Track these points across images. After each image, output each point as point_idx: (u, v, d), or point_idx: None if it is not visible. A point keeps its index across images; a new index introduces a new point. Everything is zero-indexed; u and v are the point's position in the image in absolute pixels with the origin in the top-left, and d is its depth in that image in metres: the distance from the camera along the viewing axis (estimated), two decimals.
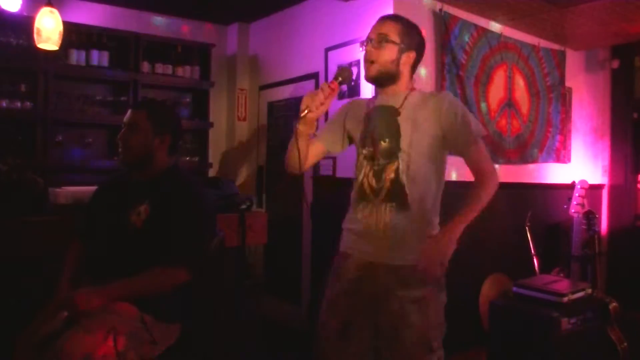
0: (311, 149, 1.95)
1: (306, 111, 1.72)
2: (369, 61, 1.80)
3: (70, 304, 1.75)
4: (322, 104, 1.72)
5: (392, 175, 1.74)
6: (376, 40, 1.78)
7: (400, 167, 1.73)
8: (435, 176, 1.79)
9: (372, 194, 1.78)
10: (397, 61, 1.78)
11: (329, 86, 1.73)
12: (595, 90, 4.74)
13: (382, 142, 1.78)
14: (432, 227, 1.78)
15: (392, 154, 1.75)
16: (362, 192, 1.82)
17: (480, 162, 1.75)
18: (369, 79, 1.83)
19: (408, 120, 1.76)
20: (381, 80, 1.82)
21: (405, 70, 1.81)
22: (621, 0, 3.37)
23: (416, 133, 1.74)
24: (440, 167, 1.81)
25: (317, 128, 1.87)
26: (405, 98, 1.79)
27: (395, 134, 1.76)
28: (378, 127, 1.81)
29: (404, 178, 1.73)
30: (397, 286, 1.70)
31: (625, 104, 4.63)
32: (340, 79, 1.76)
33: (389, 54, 1.77)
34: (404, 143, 1.74)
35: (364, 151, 1.84)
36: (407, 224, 1.72)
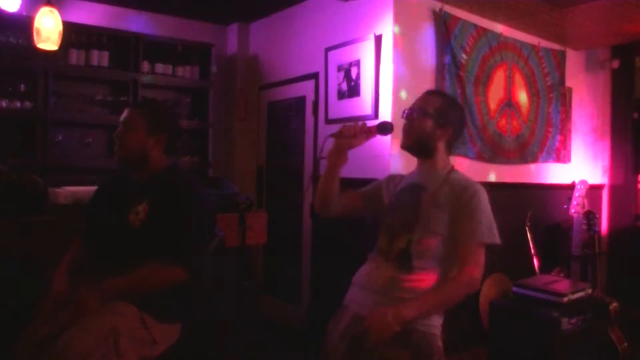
0: (347, 197, 2.01)
1: (334, 134, 1.83)
2: (406, 131, 1.90)
3: (70, 304, 1.75)
4: (354, 136, 1.81)
5: (403, 245, 1.78)
6: (416, 111, 1.88)
7: (413, 239, 1.77)
8: (447, 255, 1.78)
9: (382, 257, 1.84)
10: (432, 135, 1.86)
11: (367, 128, 1.83)
12: (595, 90, 4.74)
13: (402, 213, 1.85)
14: None
15: (408, 225, 1.80)
16: (376, 254, 1.89)
17: (465, 262, 1.73)
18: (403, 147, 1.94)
19: (430, 197, 1.81)
20: (416, 149, 1.92)
21: (440, 146, 1.89)
22: (621, 0, 3.37)
23: (434, 210, 1.78)
24: (452, 245, 1.79)
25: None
26: (435, 175, 1.88)
27: (416, 208, 1.82)
28: (403, 202, 1.90)
29: (412, 250, 1.76)
30: (383, 344, 1.64)
31: (625, 104, 4.62)
32: (381, 128, 1.85)
33: (426, 125, 1.85)
34: (421, 217, 1.79)
35: (387, 220, 1.90)
36: (405, 284, 1.73)
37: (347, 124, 1.83)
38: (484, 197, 1.80)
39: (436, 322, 1.73)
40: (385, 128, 1.85)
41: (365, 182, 3.32)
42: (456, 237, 1.75)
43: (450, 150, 1.94)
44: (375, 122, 1.87)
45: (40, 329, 1.75)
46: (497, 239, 1.77)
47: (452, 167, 1.92)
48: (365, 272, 1.87)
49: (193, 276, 1.90)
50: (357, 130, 1.80)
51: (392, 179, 2.06)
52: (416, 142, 1.88)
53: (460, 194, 1.78)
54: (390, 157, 3.24)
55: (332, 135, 1.84)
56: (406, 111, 1.91)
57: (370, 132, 1.83)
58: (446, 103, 1.90)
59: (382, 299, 1.73)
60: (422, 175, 1.92)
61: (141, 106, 2.16)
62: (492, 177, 3.84)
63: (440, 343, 1.71)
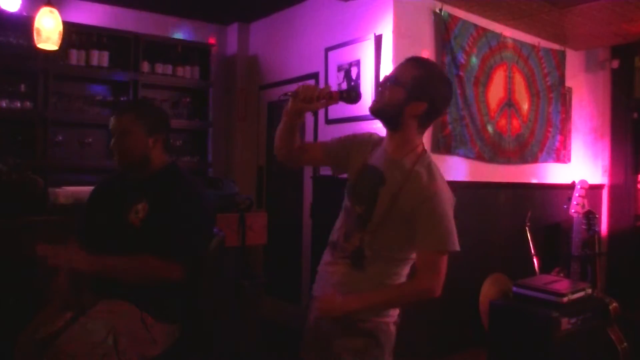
0: (308, 149, 1.93)
1: (290, 93, 1.65)
2: (377, 97, 1.75)
3: (55, 260, 1.77)
4: (311, 100, 1.64)
5: (357, 243, 1.68)
6: (390, 78, 1.69)
7: (365, 239, 1.66)
8: (402, 253, 1.69)
9: (337, 248, 1.76)
10: (402, 107, 1.65)
11: (329, 92, 1.67)
12: (595, 90, 4.74)
13: (357, 207, 1.71)
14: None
15: (362, 222, 1.68)
16: (332, 241, 1.80)
17: (421, 271, 1.62)
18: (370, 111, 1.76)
19: (388, 194, 1.64)
20: (382, 119, 1.74)
21: (410, 121, 1.67)
22: (621, 0, 3.37)
23: (393, 209, 1.63)
24: (409, 244, 1.67)
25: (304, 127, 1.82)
26: (400, 166, 1.68)
27: (372, 203, 1.66)
28: (361, 188, 1.73)
29: (366, 250, 1.66)
30: (339, 334, 1.67)
31: (625, 104, 4.62)
32: (344, 95, 1.70)
33: (396, 96, 1.65)
34: (376, 214, 1.65)
35: (346, 202, 1.79)
36: (358, 283, 1.67)
37: (306, 83, 1.66)
38: (444, 199, 1.62)
39: (392, 312, 1.71)
40: (350, 96, 1.68)
41: None
42: (415, 242, 1.63)
43: (424, 128, 1.71)
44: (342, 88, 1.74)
45: (40, 330, 1.75)
46: (456, 247, 1.60)
47: (422, 152, 1.70)
48: (324, 264, 1.81)
49: (189, 275, 1.90)
50: (316, 94, 1.62)
51: (365, 143, 1.84)
52: (383, 110, 1.69)
53: (419, 195, 1.60)
54: None
55: (288, 94, 1.65)
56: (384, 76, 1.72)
57: (332, 98, 1.66)
58: (427, 74, 1.64)
59: (338, 292, 1.69)
60: (386, 157, 1.72)
61: (132, 109, 2.12)
62: (492, 177, 3.84)
63: (392, 328, 1.70)
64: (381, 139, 1.83)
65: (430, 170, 1.67)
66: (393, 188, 1.64)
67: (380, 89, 1.74)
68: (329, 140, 1.91)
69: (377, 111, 1.73)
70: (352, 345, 1.65)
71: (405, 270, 1.72)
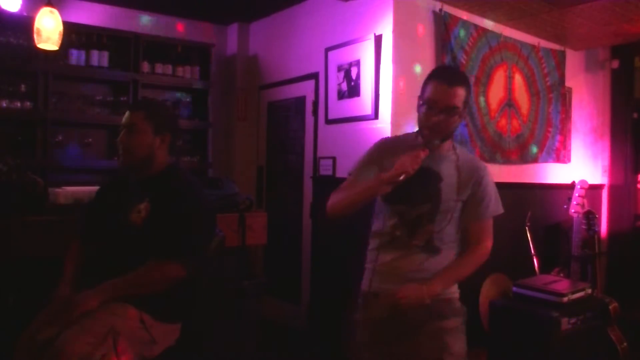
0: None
1: (403, 176, 1.70)
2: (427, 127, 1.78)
3: (69, 306, 1.75)
4: (412, 170, 1.71)
5: (427, 236, 1.80)
6: (444, 109, 1.73)
7: (434, 230, 1.80)
8: (458, 230, 1.88)
9: (402, 244, 1.82)
10: (455, 127, 1.81)
11: (422, 155, 1.72)
12: (595, 90, 4.74)
13: (420, 204, 1.81)
14: None
15: (430, 217, 1.80)
16: (391, 241, 1.85)
17: (481, 237, 1.88)
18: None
19: (448, 187, 1.81)
20: (437, 141, 1.81)
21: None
22: (621, 0, 3.37)
23: (454, 202, 1.82)
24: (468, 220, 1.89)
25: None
26: (445, 159, 1.83)
27: (436, 200, 1.80)
28: (418, 189, 1.80)
29: (435, 238, 1.81)
30: (432, 318, 1.79)
31: (625, 104, 4.63)
32: (430, 145, 1.77)
33: (455, 122, 1.79)
34: (442, 209, 1.80)
35: (399, 207, 1.83)
36: (437, 266, 1.82)
37: (407, 161, 1.70)
38: (489, 172, 1.90)
39: (456, 287, 1.89)
40: (434, 147, 1.77)
41: None
42: (470, 215, 1.84)
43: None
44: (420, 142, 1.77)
45: (41, 331, 1.75)
46: (502, 209, 1.91)
47: (453, 145, 1.89)
48: (391, 260, 1.84)
49: (191, 274, 1.90)
50: (412, 160, 1.70)
51: (385, 152, 1.89)
52: (444, 139, 1.80)
53: (472, 176, 1.83)
54: None
55: (388, 182, 1.73)
56: (433, 105, 1.73)
57: (421, 153, 1.72)
58: (469, 91, 1.80)
59: (417, 281, 1.78)
60: (430, 157, 1.77)
61: (143, 107, 2.14)
62: (493, 177, 3.83)
63: (460, 304, 1.89)
64: (400, 140, 1.95)
65: (466, 153, 1.95)
66: (451, 182, 1.81)
67: (435, 121, 1.74)
68: (355, 174, 1.94)
69: (439, 138, 1.79)
70: (447, 326, 1.81)
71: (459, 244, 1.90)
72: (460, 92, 1.74)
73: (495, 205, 1.89)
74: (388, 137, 2.01)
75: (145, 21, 4.30)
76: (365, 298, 1.90)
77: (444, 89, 1.72)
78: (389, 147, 1.91)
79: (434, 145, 1.76)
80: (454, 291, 1.88)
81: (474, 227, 1.86)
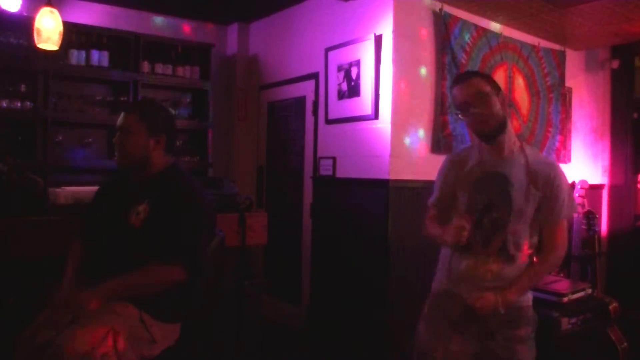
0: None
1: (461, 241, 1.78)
2: (471, 127, 1.89)
3: (69, 306, 1.75)
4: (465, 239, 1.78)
5: (500, 243, 1.82)
6: (474, 101, 1.81)
7: (508, 236, 1.81)
8: (534, 236, 1.87)
9: (477, 250, 1.85)
10: (502, 109, 1.82)
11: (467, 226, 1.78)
12: (595, 90, 4.74)
13: (493, 209, 1.83)
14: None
15: (503, 223, 1.82)
16: (466, 247, 1.86)
17: (555, 242, 1.86)
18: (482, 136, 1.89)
19: (520, 191, 1.81)
20: (492, 134, 1.85)
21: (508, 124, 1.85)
22: (621, 0, 3.37)
23: (526, 204, 1.81)
24: (536, 225, 1.87)
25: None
26: (514, 162, 1.84)
27: (508, 205, 1.81)
28: (489, 195, 1.86)
29: (509, 244, 1.81)
30: (505, 326, 1.81)
31: (625, 104, 4.63)
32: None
33: (494, 104, 1.80)
34: (514, 213, 1.81)
35: (472, 213, 1.87)
36: (512, 273, 1.83)
37: (459, 233, 1.77)
38: (562, 172, 1.87)
39: (529, 295, 1.89)
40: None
41: (364, 181, 3.33)
42: (543, 219, 1.83)
43: (508, 115, 1.91)
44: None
45: (41, 331, 1.75)
46: (575, 209, 1.96)
47: (521, 143, 1.89)
48: (466, 266, 1.86)
49: (192, 276, 1.90)
50: (465, 231, 1.76)
51: (454, 164, 1.99)
52: (493, 127, 1.81)
53: (546, 179, 1.82)
54: (390, 157, 3.23)
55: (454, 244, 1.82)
56: (460, 107, 1.85)
57: (465, 224, 1.77)
58: (487, 79, 1.86)
59: (492, 290, 1.81)
60: (497, 161, 1.86)
61: (137, 108, 2.13)
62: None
63: (532, 312, 1.88)
64: (465, 150, 2.02)
65: (537, 153, 1.93)
66: (522, 185, 1.81)
67: (474, 115, 1.82)
68: (439, 195, 2.02)
69: (490, 130, 1.83)
70: (518, 334, 1.82)
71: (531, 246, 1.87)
72: (475, 82, 1.81)
73: (568, 207, 1.86)
74: (451, 153, 2.08)
75: (145, 21, 4.30)
76: (437, 297, 1.94)
77: (458, 88, 1.84)
78: (456, 162, 1.99)
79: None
80: (527, 299, 1.88)
81: (547, 232, 1.85)
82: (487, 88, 1.79)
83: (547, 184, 1.82)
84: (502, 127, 1.82)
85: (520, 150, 1.86)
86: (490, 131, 1.82)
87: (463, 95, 1.82)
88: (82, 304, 1.74)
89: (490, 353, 1.81)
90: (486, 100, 1.78)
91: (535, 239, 1.87)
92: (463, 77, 1.89)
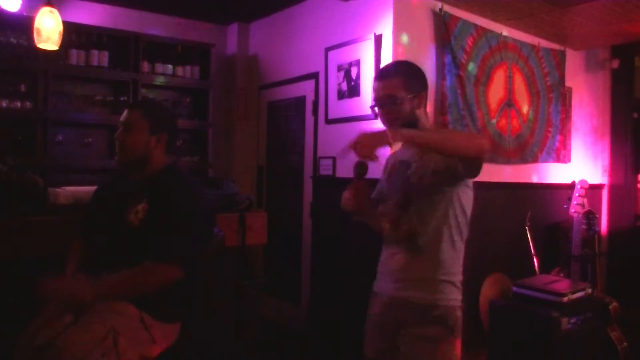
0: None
1: (350, 212, 1.80)
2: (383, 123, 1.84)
3: (62, 294, 1.76)
4: (356, 202, 1.78)
5: (407, 224, 1.78)
6: (386, 103, 1.79)
7: (412, 220, 1.78)
8: (444, 215, 1.77)
9: (391, 243, 1.86)
10: (412, 111, 1.79)
11: (353, 187, 1.79)
12: (595, 90, 4.74)
13: (396, 195, 1.84)
14: (447, 265, 1.78)
15: (404, 207, 1.80)
16: (385, 237, 1.90)
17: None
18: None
19: (418, 170, 1.78)
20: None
21: (421, 113, 1.82)
22: (621, 0, 3.37)
23: (424, 180, 1.76)
24: (454, 207, 1.78)
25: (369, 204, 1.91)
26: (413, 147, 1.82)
27: (406, 188, 1.81)
28: (394, 182, 1.89)
29: (414, 231, 1.77)
30: (414, 322, 1.75)
31: (625, 104, 4.62)
32: (357, 175, 1.80)
33: (403, 109, 1.78)
34: (412, 195, 1.79)
35: (389, 202, 1.89)
36: (422, 267, 1.77)
37: (343, 198, 1.81)
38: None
39: (455, 295, 1.80)
40: (362, 172, 1.80)
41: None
42: (448, 179, 1.73)
43: (422, 105, 1.84)
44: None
45: (41, 332, 1.75)
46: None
47: (432, 125, 1.90)
48: (384, 259, 1.90)
49: (189, 275, 1.90)
50: (352, 197, 1.79)
51: (391, 156, 2.03)
52: (404, 126, 1.76)
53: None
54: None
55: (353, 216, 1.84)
56: (377, 102, 1.83)
57: (361, 187, 1.79)
58: (408, 78, 1.81)
59: (406, 283, 1.78)
60: (405, 151, 1.90)
61: (141, 106, 2.15)
62: (492, 177, 3.84)
63: (459, 313, 1.79)
64: (396, 151, 2.00)
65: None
66: (415, 158, 1.79)
67: (383, 111, 1.82)
68: (378, 187, 2.03)
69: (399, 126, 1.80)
70: (426, 333, 1.73)
71: (454, 240, 1.79)
72: (394, 82, 1.78)
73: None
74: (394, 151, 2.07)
75: (145, 21, 4.30)
76: (372, 295, 1.94)
77: (378, 85, 1.82)
78: (391, 155, 2.03)
79: (360, 173, 1.79)
80: (446, 298, 1.77)
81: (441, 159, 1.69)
82: (401, 93, 1.76)
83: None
84: (410, 125, 1.77)
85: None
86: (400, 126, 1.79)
87: (377, 91, 1.83)
88: (75, 294, 1.74)
89: (395, 348, 1.77)
90: (396, 103, 1.76)
91: (453, 230, 1.78)
92: (383, 75, 1.86)
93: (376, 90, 1.83)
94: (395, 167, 1.92)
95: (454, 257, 1.80)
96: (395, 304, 1.79)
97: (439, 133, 1.81)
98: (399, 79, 1.79)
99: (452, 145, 1.59)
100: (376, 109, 1.84)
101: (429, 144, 1.62)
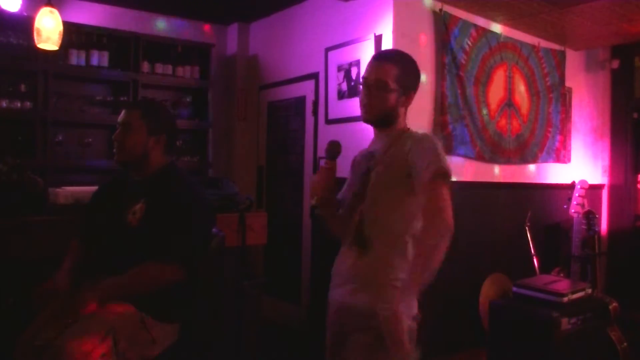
0: None
1: (315, 199, 1.72)
2: (366, 107, 1.73)
3: (66, 307, 1.75)
4: (324, 186, 1.72)
5: (357, 218, 1.71)
6: (374, 86, 1.69)
7: (364, 211, 1.70)
8: (401, 219, 1.67)
9: (345, 242, 1.80)
10: (396, 106, 1.71)
11: (324, 167, 1.73)
12: (595, 90, 4.74)
13: (355, 189, 1.77)
14: (396, 270, 1.65)
15: (360, 199, 1.72)
16: (341, 235, 1.84)
17: (433, 205, 1.53)
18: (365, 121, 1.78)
19: (380, 165, 1.70)
20: (377, 124, 1.77)
21: (401, 111, 1.75)
22: (621, 0, 3.37)
23: (384, 175, 1.68)
24: (409, 209, 1.66)
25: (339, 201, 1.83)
26: (391, 144, 1.72)
27: (365, 179, 1.72)
28: (356, 172, 1.81)
29: (366, 222, 1.69)
30: (353, 328, 1.69)
31: (625, 104, 4.62)
32: (330, 154, 1.75)
33: (388, 100, 1.69)
34: (370, 186, 1.70)
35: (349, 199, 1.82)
36: (369, 268, 1.68)
37: (311, 183, 1.76)
38: (428, 140, 1.67)
39: (407, 304, 1.62)
40: (335, 152, 1.74)
41: None
42: (416, 185, 1.59)
43: (407, 106, 1.76)
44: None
45: (40, 331, 1.75)
46: (444, 166, 1.58)
47: (408, 128, 1.76)
48: (336, 263, 1.84)
49: (189, 275, 1.90)
50: (322, 180, 1.72)
51: (354, 159, 1.91)
52: (379, 117, 1.72)
53: (404, 149, 1.65)
54: None
55: (316, 209, 1.76)
56: (365, 82, 1.72)
57: (332, 168, 1.73)
58: (404, 68, 1.71)
59: (351, 286, 1.72)
60: (376, 141, 1.80)
61: (139, 106, 2.15)
62: (492, 177, 3.84)
63: (409, 323, 1.61)
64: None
65: (419, 134, 1.72)
66: (384, 157, 1.70)
67: (365, 96, 1.72)
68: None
69: (374, 118, 1.75)
70: (363, 341, 1.65)
71: (409, 250, 1.65)
72: (389, 68, 1.68)
73: (434, 164, 1.55)
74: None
75: (145, 21, 4.30)
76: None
77: (372, 65, 1.72)
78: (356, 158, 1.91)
79: (333, 153, 1.73)
80: (387, 308, 1.59)
81: (425, 195, 1.57)
82: (393, 83, 1.67)
83: (415, 148, 1.63)
84: (386, 120, 1.72)
85: (401, 132, 1.73)
86: (369, 118, 1.73)
87: (369, 71, 1.72)
88: (79, 306, 1.74)
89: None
90: (385, 90, 1.67)
91: (405, 231, 1.66)
92: (382, 57, 1.78)
93: (368, 69, 1.73)
94: (358, 159, 1.85)
95: (401, 262, 1.65)
96: (344, 308, 1.74)
97: (419, 275, 1.54)
98: (396, 68, 1.69)
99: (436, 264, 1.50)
100: (360, 87, 1.74)
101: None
